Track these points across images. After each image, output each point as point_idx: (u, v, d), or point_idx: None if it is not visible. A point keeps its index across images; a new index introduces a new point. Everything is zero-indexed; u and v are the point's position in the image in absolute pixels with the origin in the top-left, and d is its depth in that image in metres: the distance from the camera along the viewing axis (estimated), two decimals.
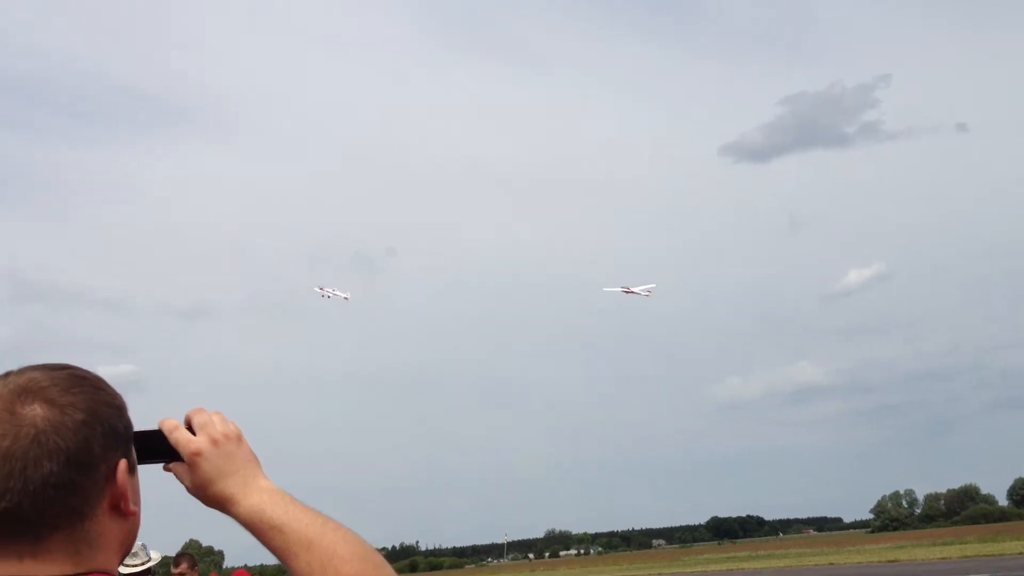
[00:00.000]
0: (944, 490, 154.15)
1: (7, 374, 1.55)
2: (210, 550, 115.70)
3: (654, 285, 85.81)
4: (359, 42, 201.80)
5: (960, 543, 56.40)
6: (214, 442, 1.71)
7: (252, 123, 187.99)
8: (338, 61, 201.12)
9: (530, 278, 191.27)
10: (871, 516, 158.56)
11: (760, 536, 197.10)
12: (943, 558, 43.49)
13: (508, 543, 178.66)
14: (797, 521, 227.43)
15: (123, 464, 1.55)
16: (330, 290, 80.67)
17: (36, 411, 1.48)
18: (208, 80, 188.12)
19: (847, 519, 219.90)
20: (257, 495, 1.70)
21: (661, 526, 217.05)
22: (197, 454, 1.71)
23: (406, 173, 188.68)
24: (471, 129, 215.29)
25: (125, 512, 1.55)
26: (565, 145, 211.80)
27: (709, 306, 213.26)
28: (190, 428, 1.73)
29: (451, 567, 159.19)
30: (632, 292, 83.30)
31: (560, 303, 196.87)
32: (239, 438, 1.75)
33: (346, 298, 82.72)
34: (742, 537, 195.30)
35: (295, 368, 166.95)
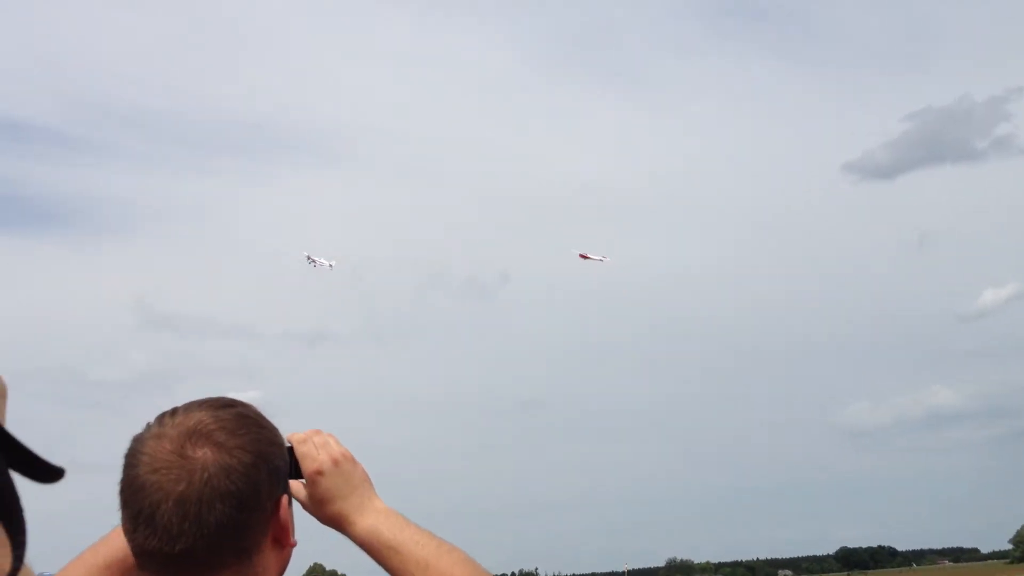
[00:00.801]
0: None
1: (173, 412, 1.60)
2: (333, 574, 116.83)
3: (607, 257, 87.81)
4: (469, 68, 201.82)
5: None
6: (334, 462, 1.75)
7: (367, 152, 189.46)
8: (448, 87, 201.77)
9: (644, 301, 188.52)
10: (1010, 546, 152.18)
11: (892, 567, 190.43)
12: None
13: (628, 571, 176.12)
14: (931, 552, 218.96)
15: (284, 500, 1.61)
16: (318, 259, 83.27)
17: (207, 454, 1.52)
18: (321, 110, 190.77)
19: (985, 549, 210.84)
20: (373, 516, 1.74)
21: (787, 556, 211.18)
22: (319, 472, 1.75)
23: (519, 198, 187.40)
24: (583, 153, 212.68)
25: (285, 544, 1.61)
26: (679, 167, 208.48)
27: (834, 328, 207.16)
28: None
29: None
30: (588, 258, 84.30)
31: (675, 326, 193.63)
32: (354, 459, 1.79)
33: (331, 265, 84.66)
34: (873, 568, 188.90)
35: (410, 391, 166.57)
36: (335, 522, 1.77)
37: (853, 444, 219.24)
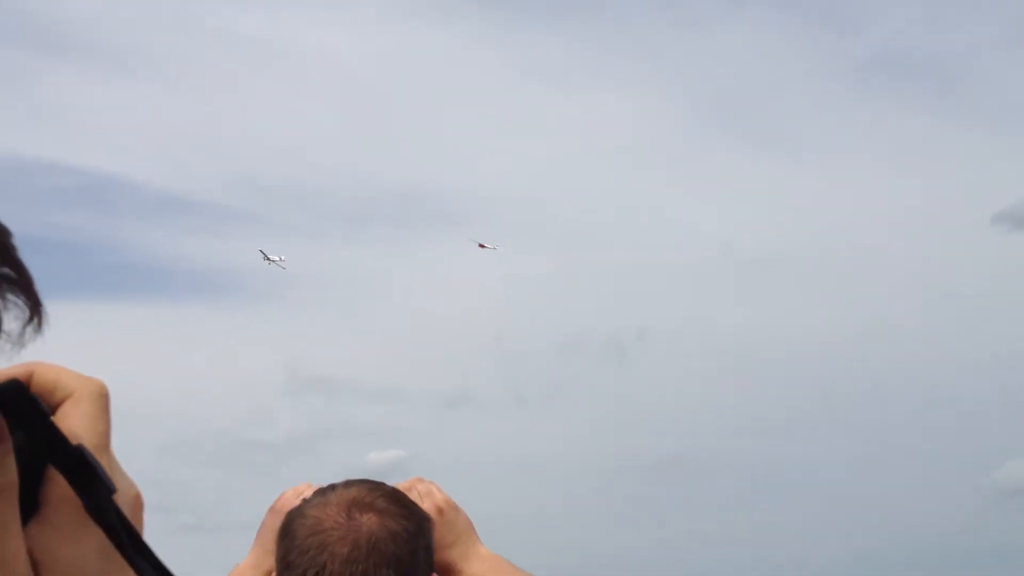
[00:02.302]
0: None
1: (333, 487, 1.67)
2: None
3: (499, 247, 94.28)
4: (609, 131, 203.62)
5: None
6: (439, 510, 1.76)
7: (508, 218, 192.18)
8: (587, 151, 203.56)
9: (787, 359, 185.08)
10: None
11: None
12: None
13: None
14: None
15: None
16: (274, 257, 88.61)
17: (372, 519, 1.58)
18: (465, 179, 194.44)
19: None
20: (478, 562, 1.74)
21: None
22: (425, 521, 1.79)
23: (658, 259, 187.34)
24: (725, 211, 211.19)
25: None
26: (821, 223, 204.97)
27: (986, 383, 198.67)
28: None
29: None
30: (485, 247, 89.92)
31: (820, 384, 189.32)
32: (457, 506, 1.80)
33: (281, 261, 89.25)
34: None
35: (549, 451, 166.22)
36: (442, 570, 1.77)
37: (1008, 505, 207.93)
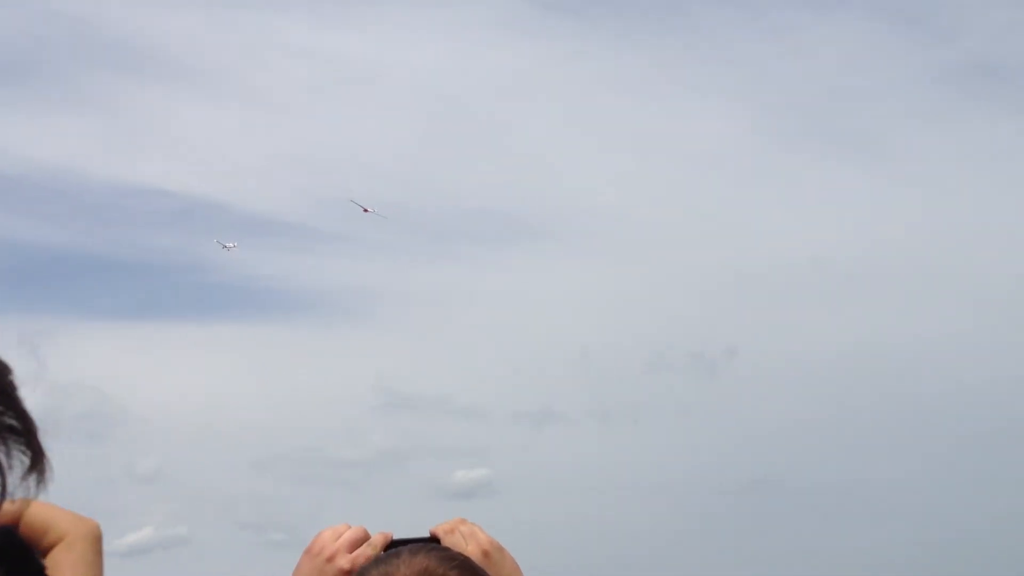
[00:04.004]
0: None
1: (397, 553, 1.63)
2: None
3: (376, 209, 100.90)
4: (693, 141, 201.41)
5: None
6: (484, 553, 1.73)
7: (593, 232, 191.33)
8: (672, 162, 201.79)
9: (879, 374, 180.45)
10: None
11: None
12: None
13: None
14: None
15: None
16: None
17: None
18: (550, 195, 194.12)
19: None
20: None
21: None
22: None
23: (745, 271, 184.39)
24: (813, 223, 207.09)
25: None
26: (916, 235, 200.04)
27: None
28: (436, 539, 1.76)
29: None
30: (367, 211, 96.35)
31: (914, 400, 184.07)
32: (502, 548, 1.76)
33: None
34: None
35: (635, 471, 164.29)
36: None
37: None
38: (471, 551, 1.72)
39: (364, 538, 1.76)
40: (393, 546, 1.71)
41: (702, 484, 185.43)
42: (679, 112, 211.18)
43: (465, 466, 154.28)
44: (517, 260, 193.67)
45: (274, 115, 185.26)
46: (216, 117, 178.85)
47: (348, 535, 1.81)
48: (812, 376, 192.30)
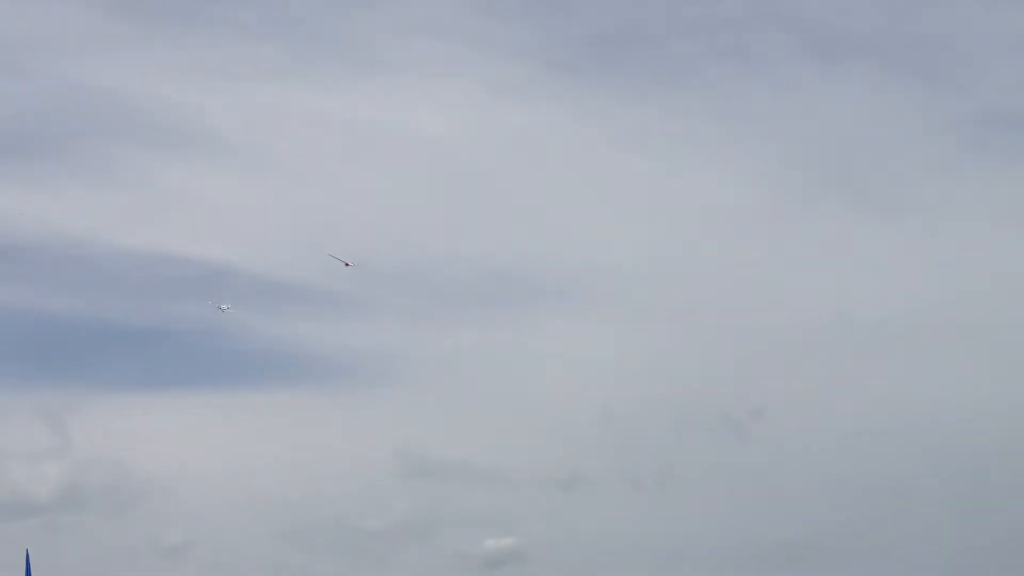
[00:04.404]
0: None
1: None
2: None
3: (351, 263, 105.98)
4: (715, 202, 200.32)
5: None
6: None
7: (616, 294, 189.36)
8: (693, 222, 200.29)
9: (912, 436, 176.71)
10: None
11: None
12: None
13: None
14: None
15: None
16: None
17: None
18: (569, 256, 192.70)
19: None
20: None
21: None
22: None
23: (772, 330, 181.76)
24: (839, 281, 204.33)
25: None
26: (945, 293, 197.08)
27: None
28: None
29: None
30: (348, 265, 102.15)
31: (951, 463, 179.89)
32: None
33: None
34: None
35: (666, 536, 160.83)
36: None
37: None
38: None
39: None
40: None
41: (735, 549, 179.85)
42: (696, 170, 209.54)
43: (493, 535, 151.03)
44: (538, 323, 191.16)
45: (292, 183, 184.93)
46: (234, 185, 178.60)
47: None
48: (842, 435, 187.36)
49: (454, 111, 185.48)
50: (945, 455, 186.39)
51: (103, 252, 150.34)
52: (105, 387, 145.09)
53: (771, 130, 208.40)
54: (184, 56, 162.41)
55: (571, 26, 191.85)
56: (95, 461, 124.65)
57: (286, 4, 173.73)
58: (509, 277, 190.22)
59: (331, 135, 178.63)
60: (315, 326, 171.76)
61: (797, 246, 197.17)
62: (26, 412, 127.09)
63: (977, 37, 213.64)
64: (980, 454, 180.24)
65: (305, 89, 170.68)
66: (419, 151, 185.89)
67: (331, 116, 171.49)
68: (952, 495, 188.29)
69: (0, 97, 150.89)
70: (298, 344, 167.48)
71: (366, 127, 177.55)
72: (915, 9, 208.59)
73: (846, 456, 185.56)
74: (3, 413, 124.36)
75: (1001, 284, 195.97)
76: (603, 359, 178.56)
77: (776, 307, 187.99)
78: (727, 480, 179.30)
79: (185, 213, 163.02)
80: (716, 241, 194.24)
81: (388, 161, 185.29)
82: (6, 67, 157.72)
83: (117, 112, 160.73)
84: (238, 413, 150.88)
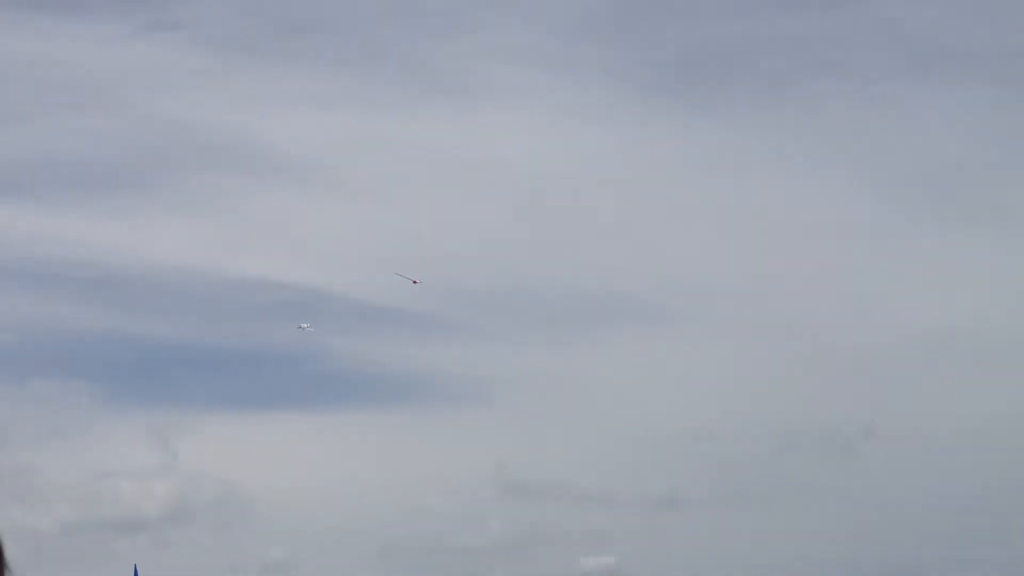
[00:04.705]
0: None
1: None
2: None
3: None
4: (813, 214, 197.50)
5: None
6: None
7: (707, 313, 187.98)
8: (790, 237, 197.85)
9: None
10: None
11: None
12: None
13: None
14: None
15: None
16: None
17: None
18: (655, 274, 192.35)
19: None
20: None
21: None
22: None
23: (878, 346, 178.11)
24: (947, 296, 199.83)
25: None
26: None
27: None
28: None
29: None
30: (416, 283, 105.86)
31: None
32: None
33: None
34: None
35: (768, 559, 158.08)
36: None
37: None
38: None
39: None
40: None
41: (841, 573, 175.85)
42: (793, 186, 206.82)
43: (591, 553, 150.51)
44: (635, 341, 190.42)
45: (380, 208, 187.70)
46: (323, 212, 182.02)
47: None
48: (955, 452, 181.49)
49: (537, 135, 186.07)
50: None
51: (202, 280, 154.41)
52: (209, 408, 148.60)
53: (868, 146, 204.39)
54: (271, 88, 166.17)
55: (657, 47, 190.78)
56: (200, 479, 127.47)
57: (367, 34, 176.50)
58: (603, 297, 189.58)
59: (417, 161, 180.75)
60: (410, 348, 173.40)
61: (900, 261, 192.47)
62: (135, 433, 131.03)
63: None
64: None
65: (389, 117, 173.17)
66: (504, 175, 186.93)
67: (416, 143, 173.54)
68: None
69: (97, 134, 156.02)
70: (394, 366, 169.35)
71: (451, 153, 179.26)
72: (1019, 22, 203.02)
73: (958, 474, 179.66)
74: (115, 434, 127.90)
75: None
76: (703, 378, 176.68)
77: (883, 323, 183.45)
78: (834, 500, 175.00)
79: (278, 240, 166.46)
80: (817, 258, 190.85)
81: (474, 186, 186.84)
82: (100, 105, 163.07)
83: (208, 145, 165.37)
84: (336, 433, 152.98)
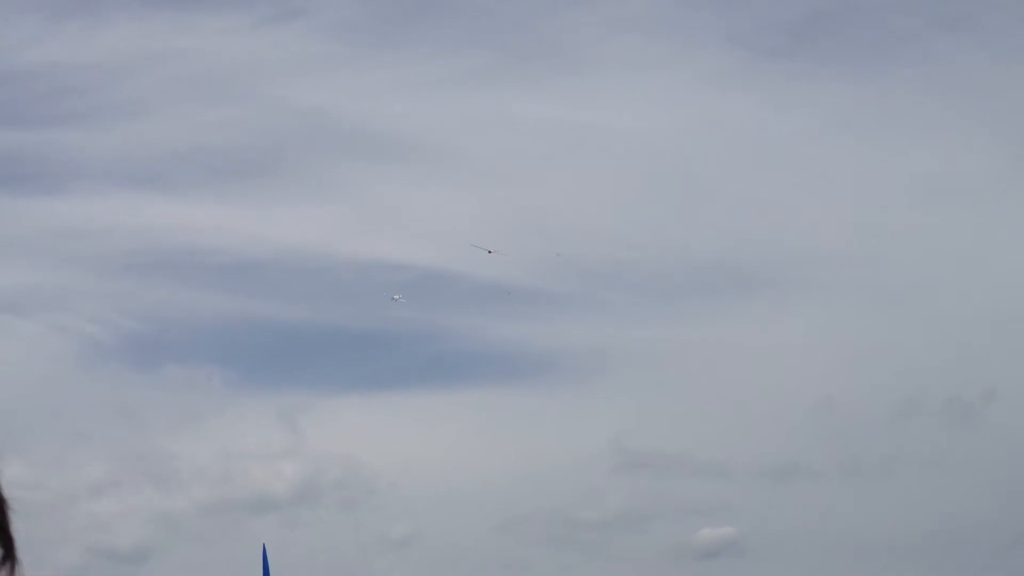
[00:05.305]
0: None
1: None
2: None
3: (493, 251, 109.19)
4: (941, 178, 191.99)
5: None
6: None
7: (828, 280, 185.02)
8: (917, 201, 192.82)
9: None
10: None
11: None
12: None
13: None
14: None
15: None
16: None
17: None
18: (777, 242, 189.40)
19: None
20: None
21: None
22: None
23: (998, 310, 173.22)
24: None
25: None
26: None
27: None
28: None
29: None
30: (491, 252, 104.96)
31: None
32: None
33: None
34: None
35: (890, 527, 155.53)
36: None
37: None
38: None
39: None
40: None
41: (965, 540, 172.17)
42: (917, 149, 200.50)
43: (709, 525, 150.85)
44: (751, 311, 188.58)
45: (500, 186, 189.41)
46: (444, 192, 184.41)
47: None
48: None
49: (656, 105, 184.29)
50: None
51: (326, 263, 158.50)
52: (333, 389, 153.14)
53: (997, 105, 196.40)
54: (391, 71, 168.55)
55: (780, 10, 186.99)
56: (326, 459, 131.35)
57: (488, 13, 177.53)
58: (718, 267, 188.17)
59: (537, 137, 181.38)
60: (528, 324, 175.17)
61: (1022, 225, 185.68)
62: (265, 415, 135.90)
63: None
64: None
65: (514, 93, 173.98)
66: (624, 146, 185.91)
67: (537, 118, 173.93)
68: None
69: (223, 124, 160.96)
70: (512, 342, 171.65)
71: (575, 126, 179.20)
72: None
73: None
74: (245, 417, 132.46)
75: None
76: (820, 346, 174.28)
77: (1007, 287, 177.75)
78: (955, 468, 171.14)
79: (401, 221, 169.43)
80: (939, 222, 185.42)
81: (594, 159, 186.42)
82: (227, 95, 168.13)
83: (332, 129, 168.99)
84: (456, 410, 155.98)
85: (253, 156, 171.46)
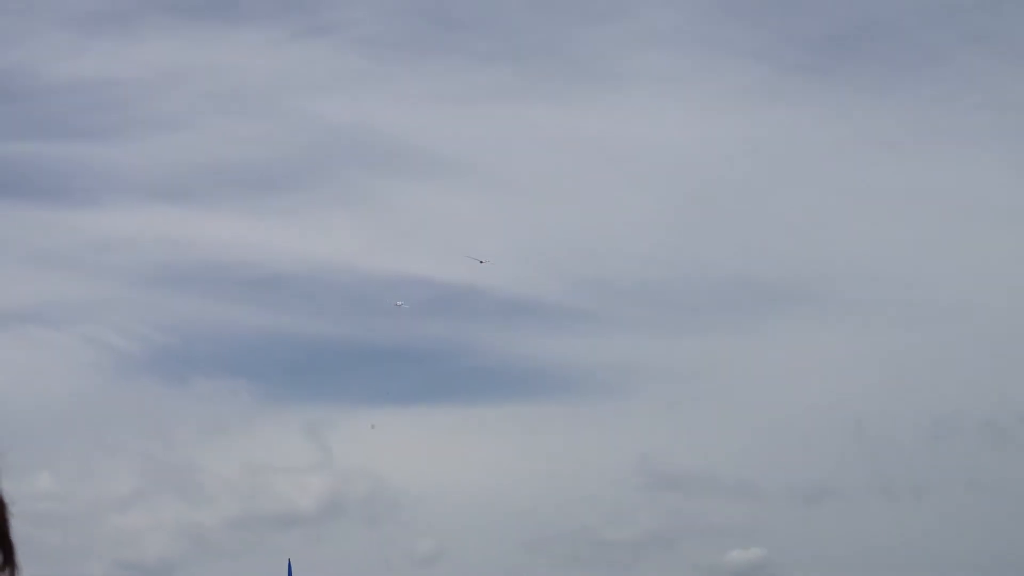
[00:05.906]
0: None
1: None
2: None
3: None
4: (962, 198, 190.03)
5: None
6: None
7: (858, 297, 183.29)
8: (937, 219, 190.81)
9: None
10: None
11: None
12: None
13: None
14: None
15: None
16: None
17: None
18: (809, 259, 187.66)
19: None
20: None
21: None
22: None
23: None
24: None
25: None
26: None
27: None
28: None
29: None
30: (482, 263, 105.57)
31: None
32: None
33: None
34: None
35: (924, 550, 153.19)
36: None
37: None
38: None
39: None
40: None
41: (1000, 565, 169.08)
42: (949, 165, 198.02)
43: (738, 546, 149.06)
44: (781, 330, 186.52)
45: (530, 201, 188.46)
46: (474, 207, 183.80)
47: None
48: None
49: (689, 121, 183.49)
50: None
51: (356, 277, 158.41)
52: (361, 403, 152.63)
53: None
54: (421, 86, 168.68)
55: (809, 24, 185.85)
56: (352, 474, 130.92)
57: (517, 26, 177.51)
58: (750, 285, 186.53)
59: (568, 152, 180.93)
60: (556, 341, 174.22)
61: None
62: (292, 429, 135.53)
63: None
64: None
65: (540, 108, 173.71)
66: (656, 162, 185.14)
67: (567, 133, 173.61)
68: None
69: (254, 139, 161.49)
70: (540, 359, 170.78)
71: (602, 141, 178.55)
72: None
73: None
74: (272, 431, 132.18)
75: None
76: (852, 365, 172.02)
77: None
78: (990, 491, 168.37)
79: (431, 236, 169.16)
80: (968, 239, 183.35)
81: (625, 174, 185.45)
82: (257, 110, 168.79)
83: (363, 144, 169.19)
84: (484, 427, 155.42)
85: (283, 171, 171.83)
